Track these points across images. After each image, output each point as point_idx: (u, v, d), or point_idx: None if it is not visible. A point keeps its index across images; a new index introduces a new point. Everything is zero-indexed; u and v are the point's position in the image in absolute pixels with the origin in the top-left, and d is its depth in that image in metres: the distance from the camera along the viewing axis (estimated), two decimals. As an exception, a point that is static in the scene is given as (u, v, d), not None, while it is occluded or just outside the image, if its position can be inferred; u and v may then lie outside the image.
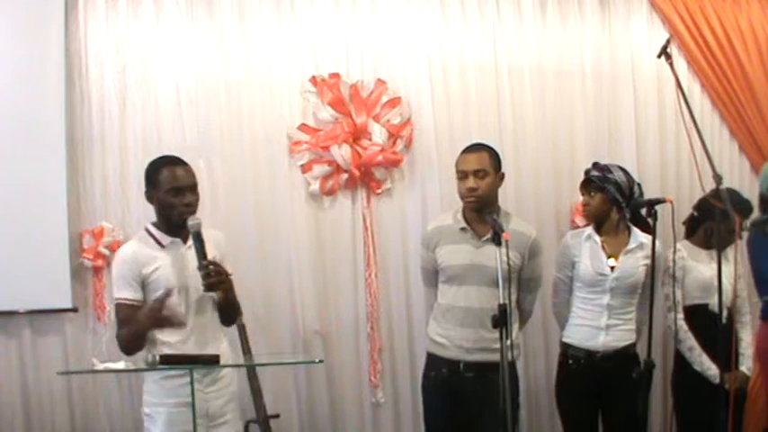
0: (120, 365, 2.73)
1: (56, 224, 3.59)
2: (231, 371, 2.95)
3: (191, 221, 2.72)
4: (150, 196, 2.82)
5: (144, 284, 2.75)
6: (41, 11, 3.60)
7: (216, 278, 2.68)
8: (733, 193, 3.24)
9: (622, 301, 3.41)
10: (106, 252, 3.65)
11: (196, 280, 2.73)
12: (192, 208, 2.76)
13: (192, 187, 2.80)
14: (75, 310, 3.65)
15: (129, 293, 2.74)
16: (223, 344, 2.91)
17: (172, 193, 2.74)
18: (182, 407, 2.68)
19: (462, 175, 3.16)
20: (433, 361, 3.29)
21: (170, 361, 2.64)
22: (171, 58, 3.80)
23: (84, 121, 3.71)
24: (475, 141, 3.35)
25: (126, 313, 2.74)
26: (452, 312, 3.20)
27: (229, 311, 2.93)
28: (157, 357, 2.51)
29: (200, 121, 3.82)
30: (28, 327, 3.64)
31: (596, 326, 3.40)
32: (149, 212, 3.66)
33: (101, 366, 2.77)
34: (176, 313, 2.65)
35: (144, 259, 2.75)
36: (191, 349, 2.74)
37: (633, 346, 3.38)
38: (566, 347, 3.50)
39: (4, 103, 3.56)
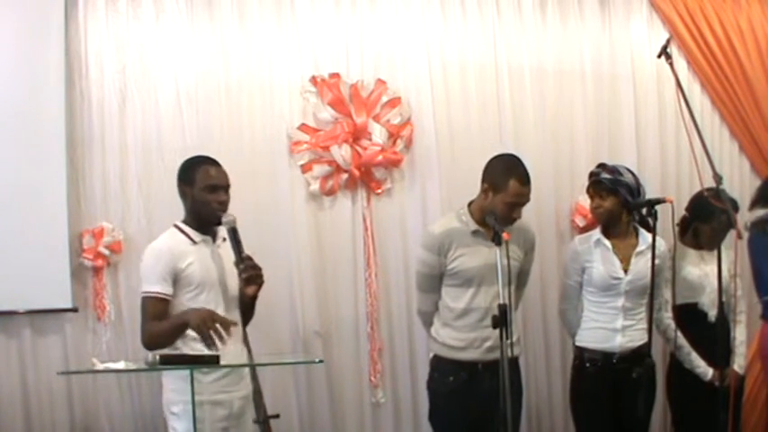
0: (120, 365, 2.75)
1: (56, 224, 3.59)
2: (248, 370, 2.99)
3: (225, 218, 2.82)
4: (184, 193, 2.91)
5: (176, 279, 2.79)
6: (41, 11, 3.60)
7: (254, 272, 2.78)
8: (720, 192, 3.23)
9: (635, 302, 3.42)
10: (106, 252, 3.66)
11: (226, 278, 2.86)
12: (224, 206, 2.86)
13: (226, 188, 2.90)
14: (75, 310, 3.65)
15: (161, 287, 2.76)
16: (240, 342, 2.98)
17: (208, 190, 2.84)
18: (209, 404, 2.75)
19: (512, 205, 3.10)
20: (447, 365, 3.25)
21: (170, 361, 2.63)
22: (171, 58, 3.80)
23: (84, 121, 3.71)
24: (512, 159, 3.24)
25: (156, 307, 2.75)
26: (472, 315, 3.19)
27: (250, 312, 3.02)
28: (157, 357, 2.50)
29: (201, 121, 3.82)
30: (28, 327, 3.63)
31: (612, 328, 3.41)
32: (149, 212, 3.72)
33: (101, 366, 2.79)
34: (228, 321, 2.63)
35: (178, 254, 2.80)
36: (221, 347, 2.71)
37: (647, 345, 3.37)
38: (581, 351, 3.49)
39: (4, 103, 3.56)
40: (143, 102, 3.77)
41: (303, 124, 3.94)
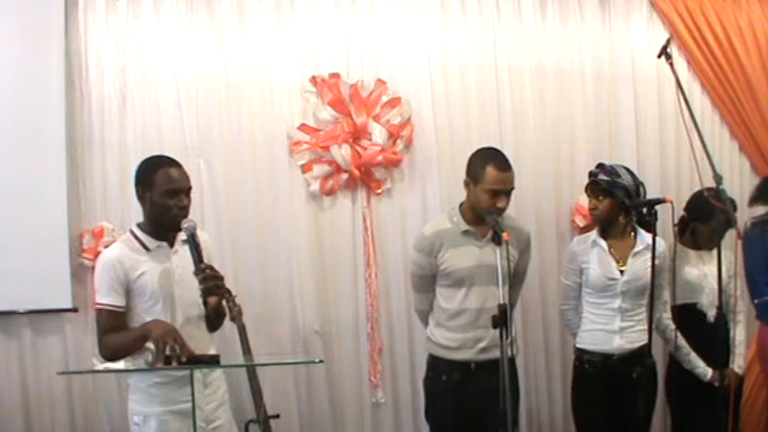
0: (120, 365, 2.72)
1: (56, 224, 3.59)
2: (222, 375, 2.90)
3: (185, 224, 2.66)
4: (142, 196, 2.76)
5: (129, 290, 2.69)
6: (41, 11, 3.60)
7: (213, 282, 2.62)
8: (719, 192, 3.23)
9: (633, 303, 3.41)
10: (106, 252, 3.65)
11: (183, 286, 2.68)
12: (185, 211, 2.70)
13: (188, 191, 2.74)
14: (75, 310, 3.65)
15: (112, 299, 2.67)
16: (212, 350, 2.86)
17: (168, 195, 2.68)
18: (171, 414, 2.67)
19: (495, 194, 3.07)
20: (441, 364, 3.26)
21: (170, 361, 2.62)
22: (171, 58, 3.80)
23: (84, 121, 3.71)
24: (491, 149, 3.24)
25: (109, 320, 2.67)
26: (464, 315, 3.18)
27: (217, 317, 2.88)
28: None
29: (201, 121, 3.82)
30: (28, 327, 3.63)
31: (610, 329, 3.41)
32: (149, 212, 3.71)
33: (101, 366, 2.77)
34: (189, 349, 2.54)
35: (129, 264, 2.68)
36: None
37: (647, 346, 3.36)
38: (581, 353, 3.50)
39: (4, 103, 3.56)
40: (143, 102, 3.77)
41: (303, 124, 3.94)
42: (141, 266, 2.70)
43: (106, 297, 2.68)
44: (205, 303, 2.69)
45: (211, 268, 2.65)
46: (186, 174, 2.77)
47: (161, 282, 2.70)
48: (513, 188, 3.13)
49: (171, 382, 2.68)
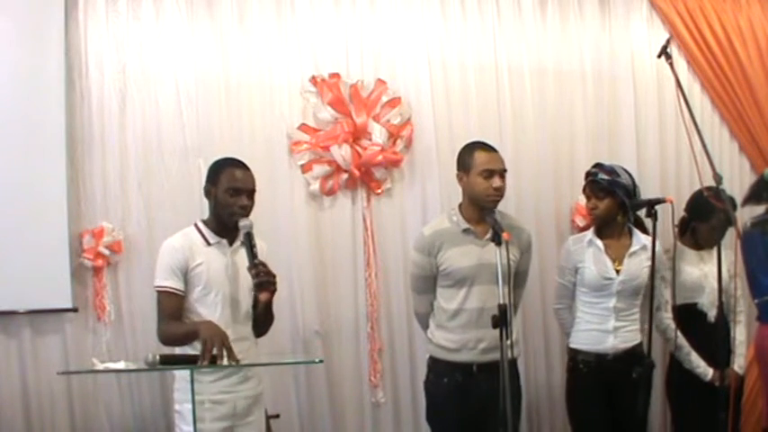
0: (120, 365, 2.75)
1: (56, 224, 3.58)
2: (261, 374, 3.00)
3: (242, 222, 2.82)
4: (208, 192, 2.93)
5: (186, 278, 2.83)
6: (41, 11, 3.59)
7: (266, 278, 2.76)
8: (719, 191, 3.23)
9: (628, 303, 3.41)
10: (106, 252, 3.65)
11: (237, 282, 2.86)
12: (245, 211, 2.86)
13: (250, 193, 2.89)
14: (75, 310, 3.65)
15: (173, 282, 2.82)
16: (253, 350, 2.98)
17: (230, 192, 2.85)
18: (210, 403, 2.78)
19: (488, 174, 3.11)
20: (442, 366, 3.24)
21: (170, 361, 2.65)
22: (171, 58, 3.79)
23: (84, 121, 3.70)
24: (476, 140, 3.32)
25: (169, 302, 2.82)
26: (464, 315, 3.17)
27: (267, 318, 3.00)
28: (157, 357, 2.50)
29: (201, 121, 3.82)
30: (28, 327, 3.63)
31: (604, 329, 3.41)
32: (149, 212, 3.72)
33: (101, 366, 2.80)
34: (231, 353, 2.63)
35: (190, 252, 2.84)
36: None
37: (640, 345, 3.38)
38: (575, 353, 3.50)
39: (4, 103, 3.55)
40: (143, 102, 3.76)
41: (303, 124, 3.94)
42: (200, 257, 2.85)
43: (167, 280, 2.83)
44: (255, 301, 2.87)
45: (264, 265, 2.78)
46: (252, 176, 2.92)
47: (216, 274, 2.85)
48: (505, 170, 3.17)
49: (212, 371, 2.79)
